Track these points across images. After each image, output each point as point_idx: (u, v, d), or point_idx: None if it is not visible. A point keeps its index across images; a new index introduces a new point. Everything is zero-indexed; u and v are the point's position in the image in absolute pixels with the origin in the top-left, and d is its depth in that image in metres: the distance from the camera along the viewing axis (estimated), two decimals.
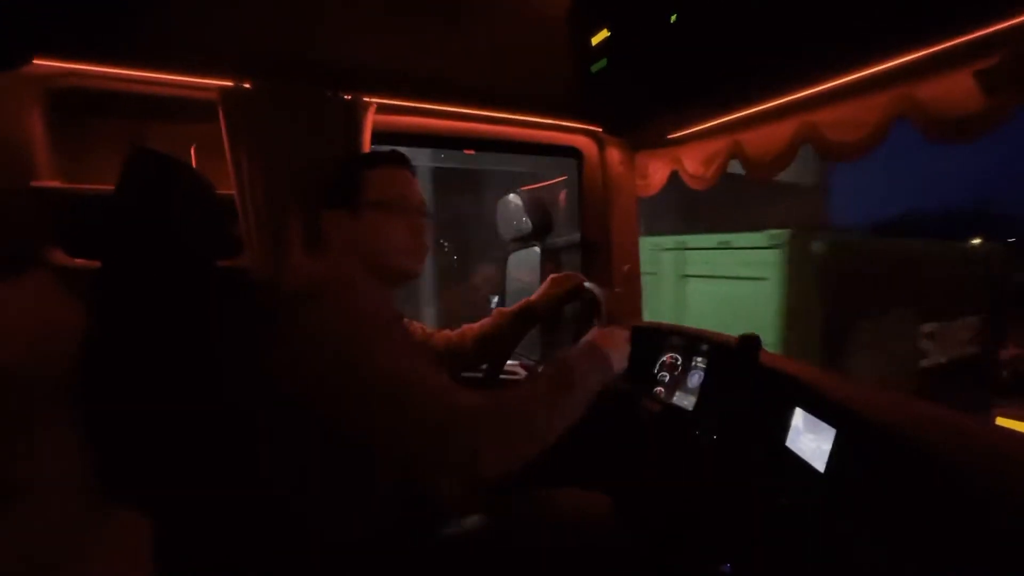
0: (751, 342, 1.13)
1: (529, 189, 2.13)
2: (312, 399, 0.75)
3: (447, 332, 1.27)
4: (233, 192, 1.37)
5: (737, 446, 1.11)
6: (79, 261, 1.28)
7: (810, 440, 0.92)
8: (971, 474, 0.69)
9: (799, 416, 0.98)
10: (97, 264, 1.15)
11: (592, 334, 0.99)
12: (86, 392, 0.74)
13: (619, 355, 0.95)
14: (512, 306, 1.30)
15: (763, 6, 1.18)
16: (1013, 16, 0.94)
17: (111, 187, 0.98)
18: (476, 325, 1.28)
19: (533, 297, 1.30)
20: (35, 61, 1.20)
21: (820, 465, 0.88)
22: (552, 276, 1.31)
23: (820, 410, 0.93)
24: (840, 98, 1.37)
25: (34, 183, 1.22)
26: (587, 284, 1.28)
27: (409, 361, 0.73)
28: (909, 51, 1.17)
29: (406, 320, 1.19)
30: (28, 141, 1.22)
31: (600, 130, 1.88)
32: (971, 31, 1.03)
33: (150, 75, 1.30)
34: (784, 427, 1.00)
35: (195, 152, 1.40)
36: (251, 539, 0.77)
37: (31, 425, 0.65)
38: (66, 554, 0.63)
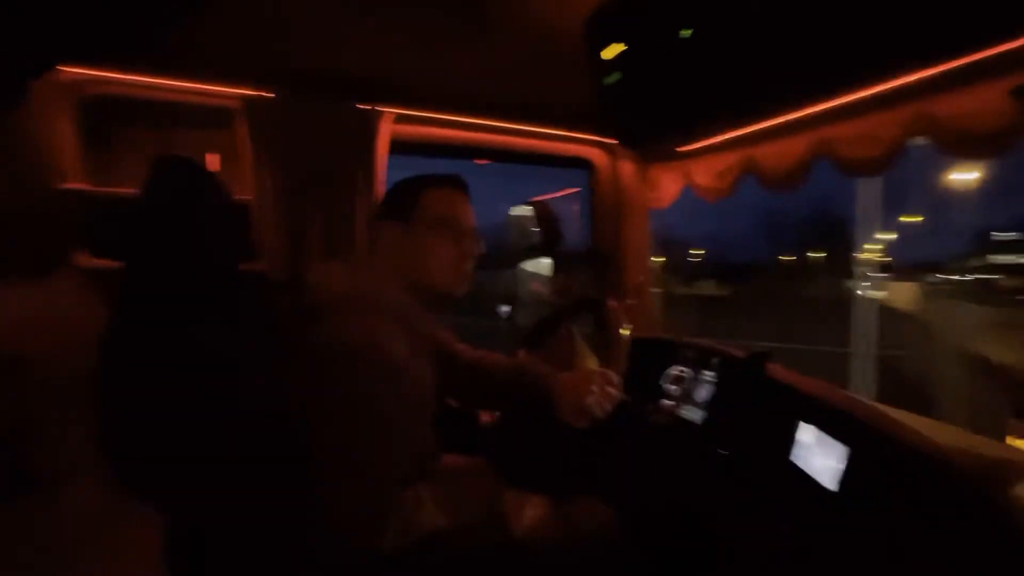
0: (760, 356, 1.12)
1: (540, 200, 2.15)
2: (297, 413, 0.79)
3: (476, 352, 1.19)
4: (249, 197, 1.41)
5: (746, 461, 1.10)
6: (103, 262, 1.32)
7: (819, 457, 0.91)
8: (992, 496, 0.67)
9: (806, 431, 0.96)
10: (121, 265, 1.18)
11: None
12: (105, 390, 0.76)
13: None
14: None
15: (777, 21, 1.18)
16: None
17: (136, 191, 1.01)
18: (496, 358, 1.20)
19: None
20: (67, 69, 1.24)
21: (830, 483, 0.87)
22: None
23: (831, 427, 0.91)
24: (856, 114, 1.36)
25: (63, 185, 1.26)
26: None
27: (377, 429, 0.79)
28: (926, 67, 1.16)
29: (438, 330, 1.12)
30: (59, 145, 1.27)
31: (613, 143, 1.89)
32: (993, 46, 1.02)
33: (175, 83, 1.35)
34: (789, 442, 0.98)
35: (218, 159, 1.44)
36: (261, 541, 0.77)
37: (50, 420, 0.67)
38: (80, 546, 0.64)
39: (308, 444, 0.78)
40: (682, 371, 1.53)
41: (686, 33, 1.21)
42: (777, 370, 1.14)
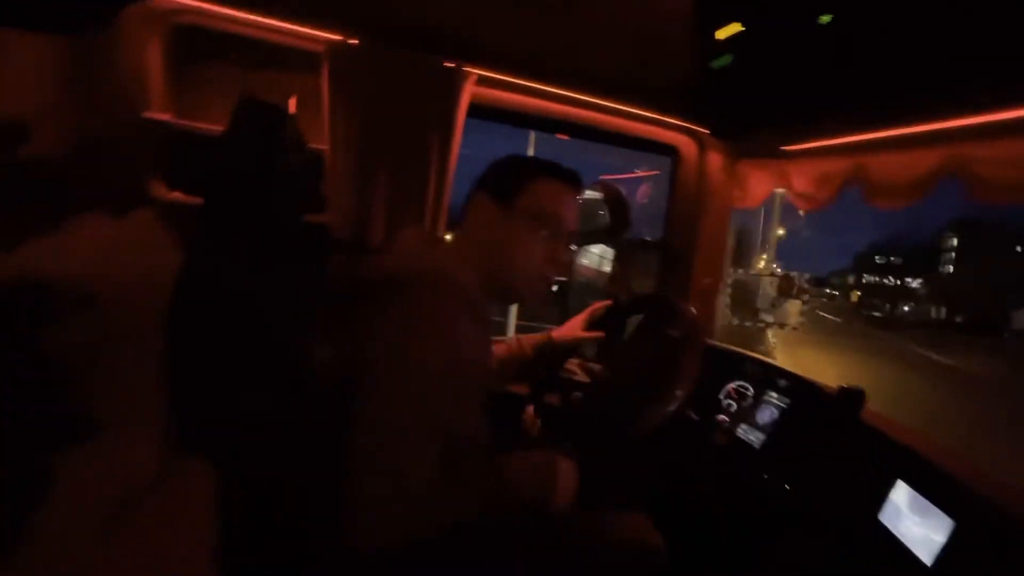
0: (855, 395, 1.01)
1: (610, 181, 2.03)
2: (352, 390, 0.74)
3: (505, 342, 1.22)
4: (323, 147, 1.37)
5: (816, 504, 1.01)
6: (176, 194, 1.33)
7: (915, 524, 0.81)
8: None
9: (902, 491, 0.86)
10: (192, 200, 1.17)
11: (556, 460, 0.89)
12: (171, 334, 0.75)
13: (565, 493, 0.87)
14: (533, 337, 1.22)
15: (932, 21, 1.02)
16: None
17: (216, 127, 0.99)
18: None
19: (559, 332, 1.22)
20: None
21: (925, 556, 0.77)
22: (594, 306, 1.21)
23: (934, 493, 0.81)
24: (999, 134, 1.18)
25: (147, 114, 1.26)
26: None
27: (432, 420, 0.73)
28: None
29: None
30: (146, 72, 1.25)
31: (704, 132, 1.74)
32: None
33: (264, 20, 1.31)
34: (879, 498, 0.89)
35: (295, 103, 1.40)
36: (313, 505, 0.75)
37: (119, 363, 0.66)
38: (138, 494, 0.63)
39: (358, 420, 0.74)
40: (743, 387, 1.43)
41: (825, 19, 1.06)
42: (872, 415, 1.03)
